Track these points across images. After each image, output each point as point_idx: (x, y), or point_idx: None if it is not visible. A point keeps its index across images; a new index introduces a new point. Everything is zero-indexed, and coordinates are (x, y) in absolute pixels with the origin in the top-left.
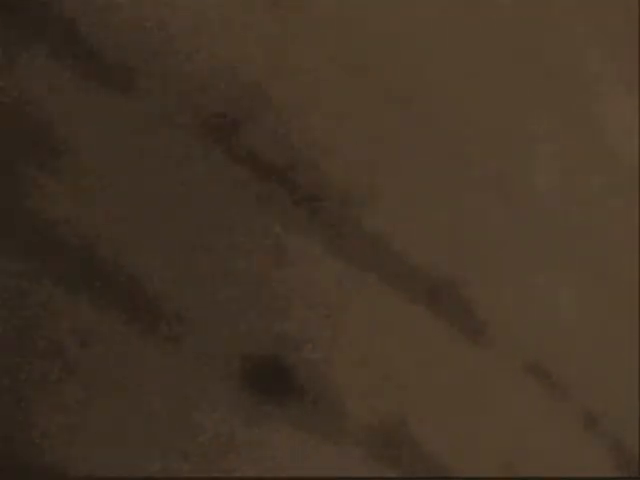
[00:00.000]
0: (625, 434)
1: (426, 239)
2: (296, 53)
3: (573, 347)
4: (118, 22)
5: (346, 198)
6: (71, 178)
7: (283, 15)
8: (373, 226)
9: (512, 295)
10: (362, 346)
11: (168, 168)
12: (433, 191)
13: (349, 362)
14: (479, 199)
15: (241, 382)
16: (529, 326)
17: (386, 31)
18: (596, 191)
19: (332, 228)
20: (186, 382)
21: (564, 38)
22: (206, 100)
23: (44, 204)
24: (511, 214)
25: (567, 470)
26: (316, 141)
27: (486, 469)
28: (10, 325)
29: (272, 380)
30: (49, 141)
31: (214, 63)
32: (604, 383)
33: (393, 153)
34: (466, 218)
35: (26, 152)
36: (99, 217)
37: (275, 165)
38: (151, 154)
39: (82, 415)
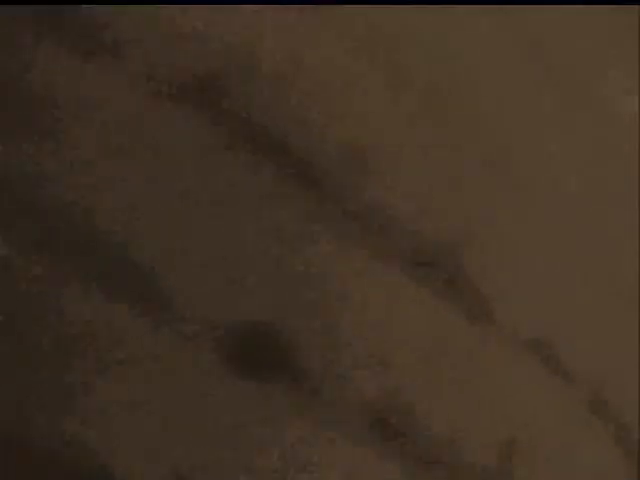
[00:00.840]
0: (631, 416)
1: (428, 210)
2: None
3: (578, 325)
4: None
5: (344, 166)
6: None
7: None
8: (374, 197)
9: (515, 272)
10: (363, 324)
11: (161, 139)
12: (436, 167)
13: (350, 340)
14: (484, 177)
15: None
16: (533, 303)
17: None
18: (603, 174)
19: (329, 198)
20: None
21: None
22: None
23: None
24: (518, 195)
25: (571, 448)
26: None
27: (489, 445)
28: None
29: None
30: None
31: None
32: (610, 364)
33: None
34: (470, 194)
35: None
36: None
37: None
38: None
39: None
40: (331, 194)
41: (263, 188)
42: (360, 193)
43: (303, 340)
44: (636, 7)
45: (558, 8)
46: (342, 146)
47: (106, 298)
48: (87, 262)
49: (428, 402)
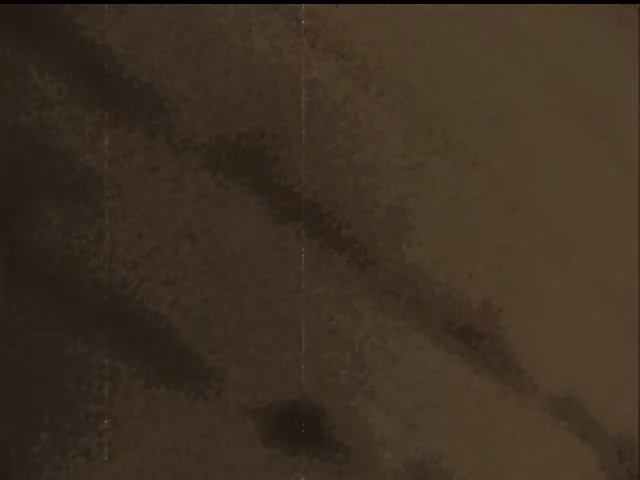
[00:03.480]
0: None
1: (462, 276)
2: None
3: (610, 382)
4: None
5: (376, 232)
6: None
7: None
8: (405, 260)
9: (548, 335)
10: (393, 391)
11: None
12: (466, 217)
13: (381, 409)
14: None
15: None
16: (565, 363)
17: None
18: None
19: (360, 264)
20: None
21: None
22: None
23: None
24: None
25: None
26: None
27: None
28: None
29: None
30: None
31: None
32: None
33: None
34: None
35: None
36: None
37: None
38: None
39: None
40: (371, 262)
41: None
42: (399, 259)
43: (339, 414)
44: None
45: (557, 7)
46: (386, 211)
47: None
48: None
49: (464, 470)
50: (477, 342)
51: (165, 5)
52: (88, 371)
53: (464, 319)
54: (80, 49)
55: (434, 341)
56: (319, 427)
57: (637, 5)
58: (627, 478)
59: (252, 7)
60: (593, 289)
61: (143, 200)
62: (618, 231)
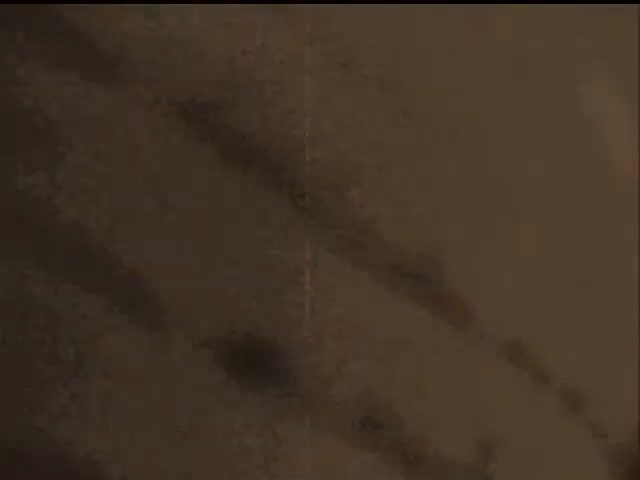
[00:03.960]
0: (610, 419)
1: (409, 221)
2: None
3: (555, 327)
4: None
5: (331, 184)
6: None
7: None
8: (360, 211)
9: (494, 276)
10: (347, 331)
11: (156, 154)
12: (417, 174)
13: (334, 348)
14: (463, 181)
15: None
16: (512, 306)
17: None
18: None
19: (318, 213)
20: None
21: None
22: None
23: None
24: (495, 200)
25: (548, 452)
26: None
27: (465, 445)
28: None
29: (256, 363)
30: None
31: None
32: (588, 365)
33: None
34: (451, 202)
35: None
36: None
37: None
38: (137, 140)
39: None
40: (314, 207)
41: (249, 200)
42: (344, 206)
43: (290, 347)
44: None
45: (546, 7)
46: (326, 162)
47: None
48: (84, 272)
49: (410, 402)
50: (425, 284)
51: None
52: (56, 310)
53: (411, 263)
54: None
55: (388, 284)
56: (272, 360)
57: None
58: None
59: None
60: (545, 238)
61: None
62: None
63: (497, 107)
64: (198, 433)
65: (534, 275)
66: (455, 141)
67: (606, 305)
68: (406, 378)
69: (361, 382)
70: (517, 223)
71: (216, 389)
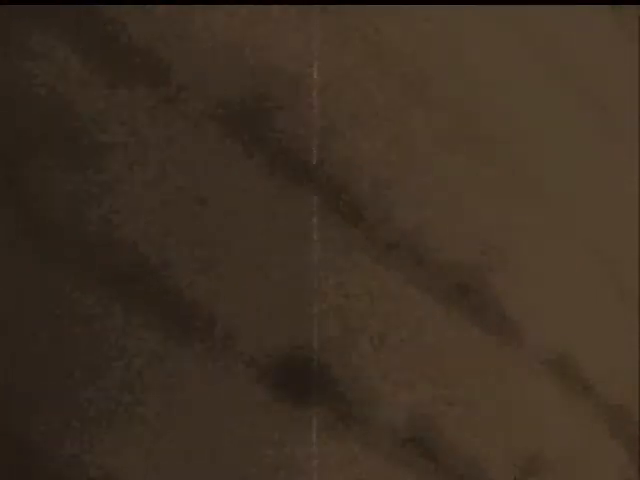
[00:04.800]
0: None
1: (454, 235)
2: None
3: (599, 341)
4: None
5: (374, 189)
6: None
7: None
8: (401, 219)
9: (539, 291)
10: (393, 349)
11: (191, 155)
12: (459, 187)
13: (380, 366)
14: (503, 192)
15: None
16: (557, 321)
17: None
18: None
19: (360, 223)
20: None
21: None
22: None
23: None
24: (537, 211)
25: (592, 465)
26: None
27: (514, 462)
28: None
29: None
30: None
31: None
32: (630, 380)
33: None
34: (491, 214)
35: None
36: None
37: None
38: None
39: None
40: (366, 224)
41: (303, 216)
42: (392, 221)
43: (337, 367)
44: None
45: (563, 7)
46: (376, 173)
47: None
48: (128, 287)
49: (457, 421)
50: (472, 297)
51: None
52: (101, 328)
53: (457, 275)
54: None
55: (434, 298)
56: (327, 382)
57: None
58: (620, 429)
59: None
60: (587, 252)
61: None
62: (613, 196)
63: (534, 105)
64: (246, 449)
65: (578, 288)
66: (491, 138)
67: None
68: (450, 394)
69: (407, 399)
70: (561, 234)
71: (262, 407)
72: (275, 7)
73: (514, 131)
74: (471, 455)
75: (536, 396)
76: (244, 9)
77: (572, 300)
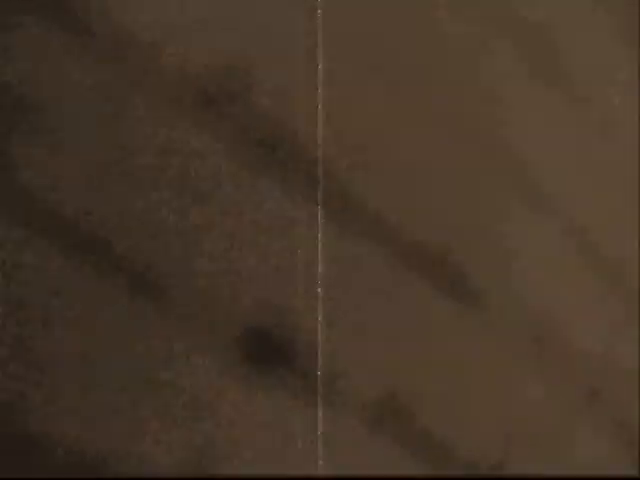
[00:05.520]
0: (629, 410)
1: (420, 212)
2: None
3: (569, 315)
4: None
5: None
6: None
7: None
8: (369, 199)
9: (508, 266)
10: (359, 319)
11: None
12: (428, 164)
13: (347, 335)
14: (472, 170)
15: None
16: (524, 297)
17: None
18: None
19: (330, 201)
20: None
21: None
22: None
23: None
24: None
25: (567, 443)
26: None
27: (486, 440)
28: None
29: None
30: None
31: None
32: (605, 357)
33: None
34: (460, 190)
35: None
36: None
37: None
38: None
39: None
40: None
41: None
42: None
43: (305, 339)
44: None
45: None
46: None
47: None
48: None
49: (423, 397)
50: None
51: None
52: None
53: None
54: None
55: (400, 270)
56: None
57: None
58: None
59: None
60: (562, 235)
61: None
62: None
63: (517, 93)
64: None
65: (553, 266)
66: (478, 128)
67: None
68: (418, 368)
69: (379, 371)
70: (537, 212)
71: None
72: None
73: (497, 113)
74: (436, 430)
75: (511, 373)
76: None
77: (547, 279)
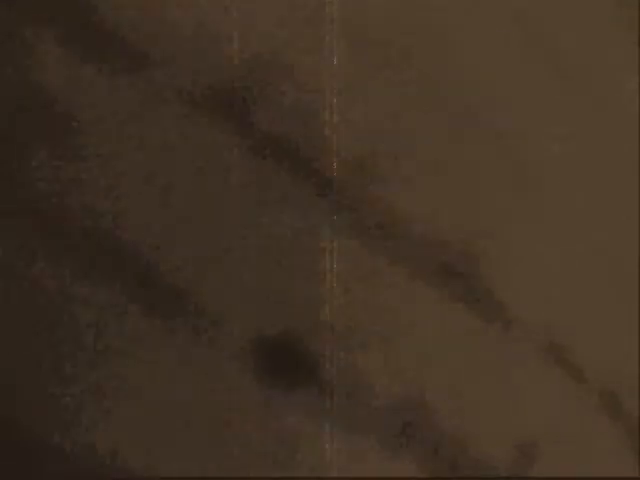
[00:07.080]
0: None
1: (440, 216)
2: None
3: (590, 325)
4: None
5: (358, 172)
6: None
7: None
8: (386, 202)
9: (530, 276)
10: (377, 330)
11: (179, 145)
12: (447, 165)
13: (364, 345)
14: (493, 176)
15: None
16: (548, 305)
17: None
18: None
19: (345, 205)
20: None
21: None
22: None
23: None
24: (527, 196)
25: (588, 451)
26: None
27: (505, 448)
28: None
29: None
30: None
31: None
32: (624, 363)
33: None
34: (480, 194)
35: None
36: (114, 202)
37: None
38: (161, 132)
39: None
40: (347, 203)
41: (283, 193)
42: (376, 203)
43: (324, 351)
44: None
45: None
46: (351, 155)
47: (142, 312)
48: (112, 270)
49: (445, 407)
50: (458, 281)
51: None
52: (84, 309)
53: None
54: None
55: (425, 283)
56: (313, 370)
57: None
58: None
59: None
60: (582, 238)
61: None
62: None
63: (535, 94)
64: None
65: (570, 273)
66: (491, 129)
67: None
68: (439, 378)
69: (396, 384)
70: (551, 221)
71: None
72: None
73: (509, 118)
74: (458, 438)
75: (528, 381)
76: None
77: (565, 284)
